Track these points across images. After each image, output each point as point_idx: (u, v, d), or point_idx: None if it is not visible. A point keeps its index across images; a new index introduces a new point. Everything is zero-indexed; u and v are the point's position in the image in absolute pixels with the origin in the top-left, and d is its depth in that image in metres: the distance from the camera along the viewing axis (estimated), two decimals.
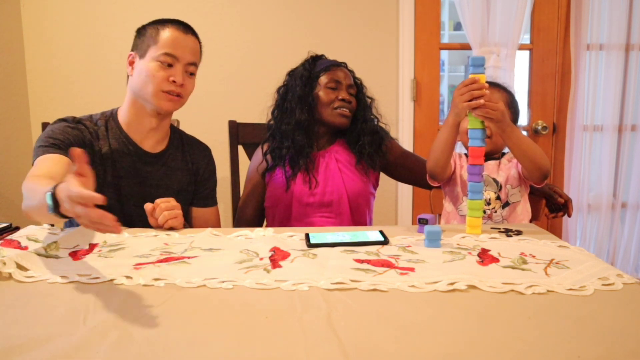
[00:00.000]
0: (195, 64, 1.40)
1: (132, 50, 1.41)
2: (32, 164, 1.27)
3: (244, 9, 2.28)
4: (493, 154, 1.46)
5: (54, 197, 0.91)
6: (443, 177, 1.42)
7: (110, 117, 1.42)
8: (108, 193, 1.34)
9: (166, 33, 1.35)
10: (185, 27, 1.39)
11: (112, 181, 1.37)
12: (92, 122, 1.40)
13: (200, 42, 1.43)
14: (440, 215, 1.55)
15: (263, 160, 1.65)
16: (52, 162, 1.24)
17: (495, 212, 1.42)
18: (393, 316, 0.74)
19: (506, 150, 1.45)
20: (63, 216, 0.93)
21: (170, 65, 1.35)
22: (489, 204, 1.41)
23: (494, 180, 1.42)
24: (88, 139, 1.35)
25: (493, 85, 1.44)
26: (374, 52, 2.33)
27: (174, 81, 1.34)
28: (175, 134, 1.52)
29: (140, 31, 1.40)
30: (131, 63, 1.40)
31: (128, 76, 1.41)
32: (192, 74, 1.41)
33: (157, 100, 1.35)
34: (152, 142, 1.43)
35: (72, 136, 1.32)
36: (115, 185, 1.38)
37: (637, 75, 2.32)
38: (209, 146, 1.58)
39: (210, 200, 1.55)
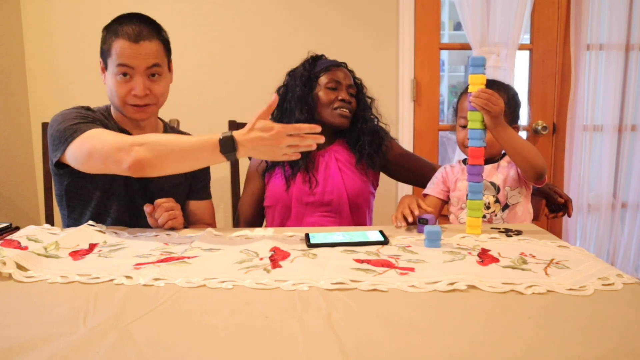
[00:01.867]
0: (157, 65, 1.33)
1: (100, 55, 1.38)
2: (65, 142, 1.24)
3: (244, 9, 2.28)
4: (489, 158, 1.44)
5: (232, 140, 1.13)
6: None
7: (106, 111, 1.43)
8: (117, 183, 1.36)
9: (117, 44, 1.30)
10: (136, 34, 1.29)
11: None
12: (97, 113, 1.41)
13: (160, 39, 1.35)
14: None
15: (263, 160, 1.65)
16: (114, 133, 1.26)
17: (496, 215, 1.41)
18: (393, 316, 0.74)
19: None
20: (231, 158, 1.15)
21: (129, 76, 1.31)
22: (488, 207, 1.40)
23: (492, 183, 1.42)
24: (107, 125, 1.37)
25: (493, 84, 1.43)
26: (374, 52, 2.33)
27: (135, 95, 1.32)
28: (169, 129, 1.53)
29: (103, 33, 1.36)
30: (103, 70, 1.38)
31: None
32: (157, 75, 1.35)
33: (127, 112, 1.36)
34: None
35: (97, 119, 1.34)
36: (124, 177, 1.38)
37: (637, 75, 2.32)
38: None
39: (204, 193, 1.56)
